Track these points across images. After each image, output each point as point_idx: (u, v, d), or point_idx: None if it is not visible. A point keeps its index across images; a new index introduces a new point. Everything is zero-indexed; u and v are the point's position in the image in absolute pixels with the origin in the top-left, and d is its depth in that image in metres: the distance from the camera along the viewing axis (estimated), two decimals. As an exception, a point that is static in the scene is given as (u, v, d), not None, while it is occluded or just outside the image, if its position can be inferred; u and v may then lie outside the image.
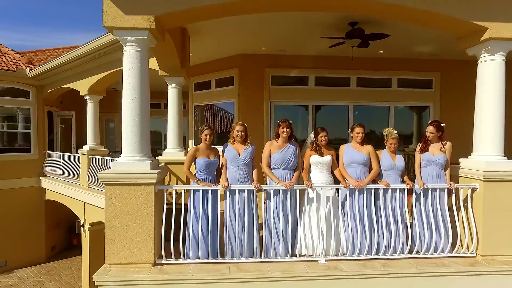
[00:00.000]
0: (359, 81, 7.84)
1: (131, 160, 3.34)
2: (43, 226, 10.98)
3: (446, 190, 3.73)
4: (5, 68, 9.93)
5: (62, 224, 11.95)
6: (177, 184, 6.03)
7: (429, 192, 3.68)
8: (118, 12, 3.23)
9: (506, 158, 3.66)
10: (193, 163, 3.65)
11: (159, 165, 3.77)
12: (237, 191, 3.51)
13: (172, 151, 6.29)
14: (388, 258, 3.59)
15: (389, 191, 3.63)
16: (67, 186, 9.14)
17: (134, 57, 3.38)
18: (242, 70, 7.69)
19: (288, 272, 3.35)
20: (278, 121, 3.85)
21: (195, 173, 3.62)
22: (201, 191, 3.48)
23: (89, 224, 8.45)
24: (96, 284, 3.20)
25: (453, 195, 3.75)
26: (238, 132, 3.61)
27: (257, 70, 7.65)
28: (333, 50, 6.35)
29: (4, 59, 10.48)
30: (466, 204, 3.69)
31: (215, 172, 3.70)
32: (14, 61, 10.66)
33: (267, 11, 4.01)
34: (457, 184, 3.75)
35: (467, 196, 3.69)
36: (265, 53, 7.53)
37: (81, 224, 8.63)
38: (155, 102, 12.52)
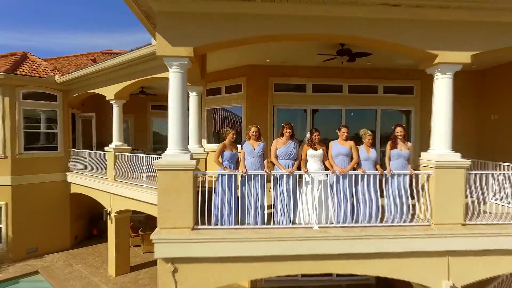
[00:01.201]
0: (350, 88, 9.07)
1: (176, 153, 4.57)
2: (68, 217, 12.19)
3: (408, 176, 4.97)
4: (37, 75, 11.14)
5: (84, 215, 13.17)
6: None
7: (395, 177, 4.93)
8: (167, 45, 4.46)
9: (453, 151, 4.91)
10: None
11: (193, 158, 5.00)
12: (253, 175, 4.75)
13: (193, 148, 7.48)
14: (365, 226, 4.83)
15: (365, 176, 4.88)
16: (94, 179, 10.36)
17: (177, 77, 4.61)
18: (249, 78, 8.92)
19: (291, 235, 4.59)
20: (282, 124, 5.11)
21: (222, 162, 4.86)
22: (226, 175, 4.72)
23: (115, 213, 9.66)
24: (152, 241, 4.41)
25: (413, 180, 5.00)
26: (253, 132, 4.86)
27: (262, 78, 8.88)
28: (327, 62, 7.59)
29: (33, 67, 11.70)
30: (424, 187, 4.94)
31: (236, 161, 4.95)
32: (42, 68, 11.88)
33: (273, 42, 5.25)
34: (416, 171, 5.00)
35: (425, 180, 4.94)
36: (269, 64, 8.76)
37: (108, 212, 9.84)
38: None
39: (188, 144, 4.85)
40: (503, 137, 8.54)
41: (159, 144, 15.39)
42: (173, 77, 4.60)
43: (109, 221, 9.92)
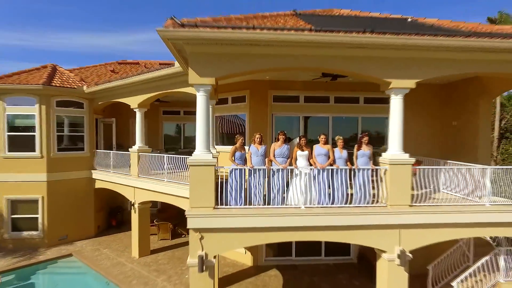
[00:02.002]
0: (336, 99, 10.86)
1: (202, 153, 6.36)
2: (92, 209, 13.95)
3: (370, 170, 6.77)
4: (68, 86, 12.90)
5: (104, 208, 14.92)
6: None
7: (361, 171, 6.74)
8: (197, 76, 6.25)
9: (403, 152, 6.71)
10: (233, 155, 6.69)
11: (213, 157, 6.79)
12: (257, 170, 6.55)
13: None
14: (338, 206, 6.63)
15: (339, 170, 6.68)
16: (118, 176, 12.13)
17: (203, 99, 6.39)
18: (252, 91, 10.70)
19: (284, 212, 6.39)
20: (278, 131, 6.91)
21: (234, 160, 6.65)
22: (238, 169, 6.52)
23: (138, 204, 11.44)
24: (186, 215, 6.19)
25: (375, 173, 6.80)
26: (257, 138, 6.67)
27: (262, 91, 10.66)
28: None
29: (63, 78, 13.46)
30: (382, 178, 6.74)
31: (244, 160, 6.74)
32: (71, 79, 13.64)
33: (273, 72, 7.05)
34: (376, 167, 6.80)
35: (383, 173, 6.74)
36: (268, 80, 10.55)
37: (132, 203, 11.61)
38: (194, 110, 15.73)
39: (209, 146, 6.55)
40: (462, 139, 10.38)
41: (169, 145, 17.15)
42: (200, 98, 6.39)
43: (132, 211, 11.69)
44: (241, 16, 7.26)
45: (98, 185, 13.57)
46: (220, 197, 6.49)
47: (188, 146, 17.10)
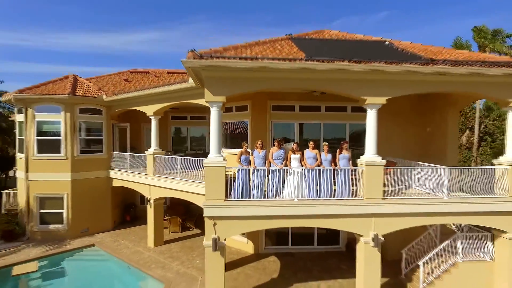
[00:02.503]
0: (327, 108, 12.44)
1: (215, 156, 7.95)
2: (109, 206, 15.52)
3: (349, 170, 8.38)
4: (89, 95, 14.47)
5: (119, 205, 16.50)
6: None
7: (342, 171, 8.34)
8: (211, 95, 7.84)
9: (377, 155, 8.32)
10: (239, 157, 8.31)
11: (224, 159, 8.39)
12: (259, 169, 8.15)
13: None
14: (324, 199, 8.23)
15: (325, 170, 8.28)
16: (135, 175, 13.71)
17: (216, 113, 7.99)
18: (253, 101, 12.27)
19: (281, 203, 8.00)
20: (275, 138, 8.52)
21: (240, 162, 8.26)
22: (243, 169, 8.12)
23: (154, 200, 13.02)
24: (203, 206, 7.79)
25: (353, 172, 8.41)
26: (259, 144, 8.28)
27: (262, 101, 12.23)
28: (308, 93, 11.00)
29: (84, 88, 15.03)
30: (360, 176, 8.35)
31: (248, 162, 8.35)
32: (91, 88, 15.21)
33: (274, 90, 8.66)
34: (354, 167, 8.41)
35: (360, 172, 8.35)
36: (268, 91, 12.12)
37: (148, 199, 13.19)
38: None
39: (221, 149, 8.15)
40: (434, 143, 12.00)
41: (176, 147, 18.70)
42: (214, 112, 7.99)
43: (148, 206, 13.27)
44: (246, 44, 8.87)
45: (115, 183, 15.14)
46: (229, 192, 8.09)
47: (194, 148, 18.69)
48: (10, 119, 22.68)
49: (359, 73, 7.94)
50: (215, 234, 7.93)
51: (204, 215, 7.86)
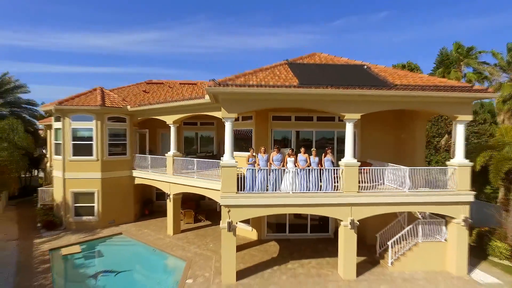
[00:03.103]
0: (318, 118, 14.85)
1: (229, 159, 10.42)
2: (132, 201, 17.97)
3: (332, 170, 10.84)
4: (115, 105, 16.91)
5: (139, 200, 18.95)
6: (229, 170, 13.07)
7: (327, 170, 10.81)
8: (226, 112, 10.31)
9: (353, 158, 10.77)
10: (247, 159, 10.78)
11: (235, 161, 10.84)
12: (262, 169, 10.63)
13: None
14: (313, 192, 10.70)
15: (313, 170, 10.74)
16: (156, 174, 16.16)
17: (229, 126, 10.46)
18: (257, 112, 14.65)
19: (278, 195, 10.48)
20: (274, 145, 11.00)
21: (248, 163, 10.74)
22: (251, 169, 10.59)
23: (173, 195, 15.47)
24: (220, 197, 10.25)
25: (336, 172, 10.87)
26: (262, 149, 10.77)
27: (264, 112, 14.63)
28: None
29: (111, 99, 17.47)
30: (340, 175, 10.80)
31: (254, 163, 10.82)
32: (116, 100, 17.66)
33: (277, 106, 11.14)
34: (337, 167, 10.87)
35: (341, 172, 10.80)
36: (269, 104, 14.57)
37: (168, 194, 15.63)
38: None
39: (233, 153, 10.59)
40: (406, 147, 14.46)
41: (187, 149, 21.11)
42: (228, 125, 10.46)
43: (168, 200, 15.71)
44: (252, 71, 11.35)
45: (137, 181, 17.61)
46: (239, 186, 10.54)
47: (204, 150, 21.10)
48: (38, 125, 25.22)
49: (339, 96, 10.41)
50: (229, 219, 10.39)
51: (221, 204, 10.33)
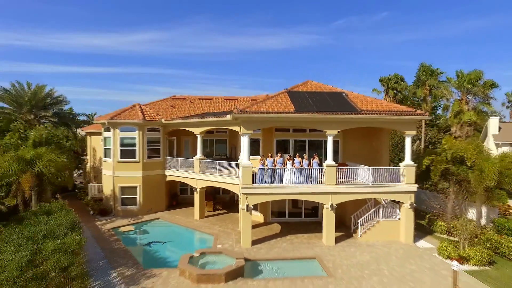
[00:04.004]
0: (310, 130, 19.58)
1: (246, 161, 15.19)
2: (164, 194, 22.71)
3: (318, 169, 15.59)
4: (153, 119, 21.64)
5: (168, 193, 23.69)
6: (244, 169, 17.86)
7: (314, 169, 15.56)
8: (244, 129, 15.09)
9: (333, 161, 15.52)
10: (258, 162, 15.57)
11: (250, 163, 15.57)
12: (269, 169, 15.40)
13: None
14: (305, 184, 15.45)
15: (305, 169, 15.50)
16: (185, 172, 20.91)
17: (247, 139, 15.26)
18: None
19: (281, 186, 15.26)
20: (277, 151, 15.79)
21: (260, 164, 15.51)
22: (261, 169, 15.35)
23: (199, 188, 20.22)
24: (241, 187, 14.99)
25: (322, 170, 15.62)
26: (269, 155, 15.56)
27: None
28: (297, 123, 18.23)
29: (147, 113, 22.20)
30: (324, 172, 15.54)
31: (263, 163, 15.60)
32: (152, 114, 22.39)
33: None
34: (322, 167, 15.62)
35: (324, 170, 15.55)
36: (273, 120, 19.33)
37: (195, 188, 20.36)
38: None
39: (249, 157, 15.30)
40: (376, 153, 19.21)
41: (205, 152, 25.81)
42: (245, 139, 15.25)
43: (195, 193, 20.44)
44: (261, 99, 16.12)
45: (168, 178, 22.35)
46: (253, 180, 15.26)
47: (218, 153, 25.76)
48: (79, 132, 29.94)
49: (322, 118, 15.17)
50: (247, 203, 15.12)
51: (241, 192, 15.06)
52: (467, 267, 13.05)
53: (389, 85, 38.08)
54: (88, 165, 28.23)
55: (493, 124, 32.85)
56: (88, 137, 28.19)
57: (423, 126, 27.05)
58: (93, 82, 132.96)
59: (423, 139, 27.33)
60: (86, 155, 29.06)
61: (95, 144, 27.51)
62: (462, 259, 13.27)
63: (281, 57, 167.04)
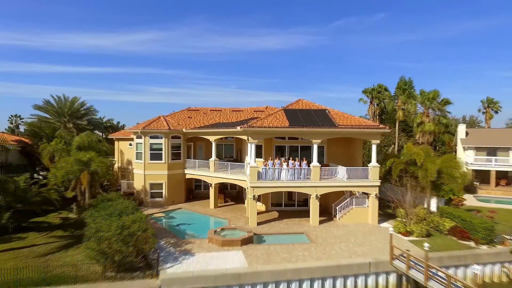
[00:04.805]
0: (301, 138, 24.95)
1: (253, 162, 20.51)
2: (183, 189, 27.96)
3: (306, 168, 20.93)
4: (175, 129, 26.89)
5: (186, 189, 28.94)
6: (250, 169, 23.17)
7: (303, 169, 20.90)
8: (252, 139, 20.40)
9: (317, 163, 20.86)
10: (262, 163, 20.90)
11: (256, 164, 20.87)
12: (270, 168, 20.74)
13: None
14: (297, 180, 20.79)
15: (296, 168, 20.83)
16: (202, 171, 26.18)
17: (253, 146, 20.58)
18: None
19: (279, 181, 20.61)
20: (276, 155, 21.16)
21: (263, 164, 20.84)
22: (264, 168, 20.67)
23: (214, 184, 25.49)
24: (249, 182, 20.30)
25: (309, 169, 20.97)
26: (270, 158, 20.89)
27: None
28: (291, 133, 23.58)
29: (170, 124, 27.42)
30: (311, 171, 20.88)
31: (266, 165, 20.93)
32: (174, 124, 27.63)
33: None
34: (309, 167, 20.97)
35: (311, 170, 20.89)
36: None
37: (210, 184, 25.62)
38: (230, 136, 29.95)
39: (254, 159, 20.55)
40: (353, 156, 24.59)
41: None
42: (252, 146, 20.57)
43: (210, 188, 25.72)
44: (264, 117, 21.41)
45: (187, 176, 27.60)
46: (260, 177, 20.56)
47: (227, 156, 31.03)
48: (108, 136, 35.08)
49: (309, 131, 20.52)
50: (254, 193, 20.42)
51: (249, 186, 20.36)
52: (411, 238, 18.44)
53: (373, 95, 43.56)
54: (116, 165, 33.40)
55: (460, 130, 38.53)
56: (116, 142, 33.36)
57: (396, 133, 32.41)
58: (92, 82, 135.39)
59: (396, 144, 32.69)
60: (113, 157, 34.23)
61: (122, 148, 32.76)
62: (408, 233, 18.67)
63: (279, 58, 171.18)
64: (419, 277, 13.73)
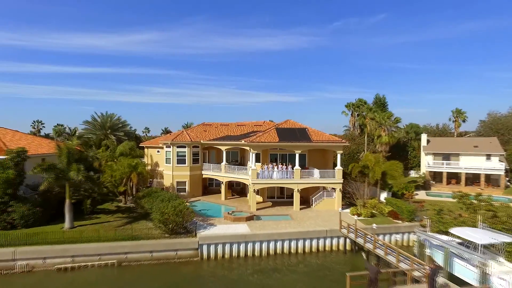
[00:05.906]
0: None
1: (253, 166, 29.48)
2: (200, 186, 36.92)
3: (291, 170, 29.89)
4: (195, 140, 35.82)
5: (202, 186, 37.89)
6: (251, 171, 32.13)
7: (289, 171, 29.87)
8: (253, 150, 29.34)
9: (299, 166, 29.80)
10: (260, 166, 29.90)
11: (256, 168, 29.83)
12: (266, 170, 29.72)
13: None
14: (285, 178, 29.74)
15: (284, 170, 29.79)
16: (215, 172, 35.14)
17: (254, 155, 29.59)
18: (262, 145, 33.73)
19: (272, 179, 29.61)
20: (270, 161, 30.18)
21: (261, 168, 29.83)
22: (261, 170, 29.63)
23: (225, 182, 34.43)
24: (250, 180, 29.26)
25: (293, 171, 29.91)
26: (266, 163, 29.89)
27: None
28: (281, 145, 32.54)
29: (191, 136, 36.39)
30: (295, 172, 29.83)
31: (262, 168, 29.90)
32: (194, 137, 36.60)
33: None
34: (293, 170, 29.94)
35: (294, 171, 29.83)
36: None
37: (221, 181, 34.55)
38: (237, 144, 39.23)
39: (255, 165, 29.39)
40: (327, 162, 33.54)
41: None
42: (253, 155, 29.56)
43: (222, 184, 34.67)
44: (262, 134, 30.41)
45: (204, 176, 36.55)
46: (257, 176, 29.49)
47: (233, 160, 39.95)
48: (141, 145, 44.04)
49: (293, 144, 29.49)
50: (254, 188, 29.39)
51: (250, 182, 29.30)
52: (360, 218, 27.38)
53: (353, 109, 52.52)
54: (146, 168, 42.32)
55: (423, 139, 47.59)
56: (146, 149, 42.35)
57: (366, 140, 41.34)
58: (91, 82, 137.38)
59: (365, 151, 41.55)
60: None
61: (151, 153, 41.74)
62: (358, 214, 27.63)
63: (278, 59, 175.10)
64: (360, 241, 22.65)
